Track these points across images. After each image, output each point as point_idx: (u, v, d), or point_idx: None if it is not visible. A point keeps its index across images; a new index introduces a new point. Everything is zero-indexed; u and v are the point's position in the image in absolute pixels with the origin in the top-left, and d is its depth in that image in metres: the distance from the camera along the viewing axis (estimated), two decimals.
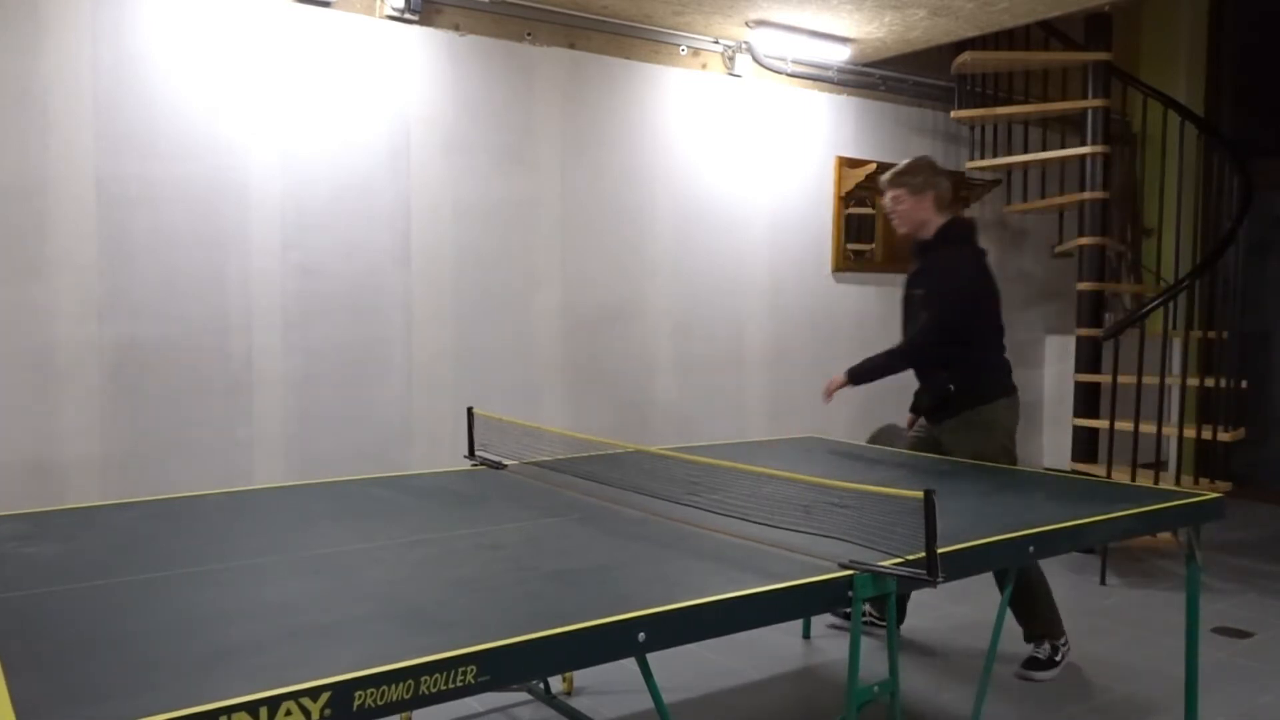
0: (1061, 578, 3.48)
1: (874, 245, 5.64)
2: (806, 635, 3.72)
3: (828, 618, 3.81)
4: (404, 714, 2.27)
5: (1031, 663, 3.37)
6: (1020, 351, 4.51)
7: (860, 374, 3.42)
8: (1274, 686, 3.32)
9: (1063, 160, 5.58)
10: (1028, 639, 3.42)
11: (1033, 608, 3.37)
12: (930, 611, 3.86)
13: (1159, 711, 3.12)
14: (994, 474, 3.09)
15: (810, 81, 5.29)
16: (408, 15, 4.02)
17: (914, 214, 3.42)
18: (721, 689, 3.23)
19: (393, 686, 1.34)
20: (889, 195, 3.46)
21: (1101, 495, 2.69)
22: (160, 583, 1.79)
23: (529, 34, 4.37)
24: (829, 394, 3.48)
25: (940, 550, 1.87)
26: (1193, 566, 2.75)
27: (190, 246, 3.63)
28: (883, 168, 5.42)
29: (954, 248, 3.40)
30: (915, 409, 3.57)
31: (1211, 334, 5.43)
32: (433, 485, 2.79)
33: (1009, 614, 3.29)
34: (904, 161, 3.51)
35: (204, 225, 3.65)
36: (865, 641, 1.94)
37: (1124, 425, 4.89)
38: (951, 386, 3.35)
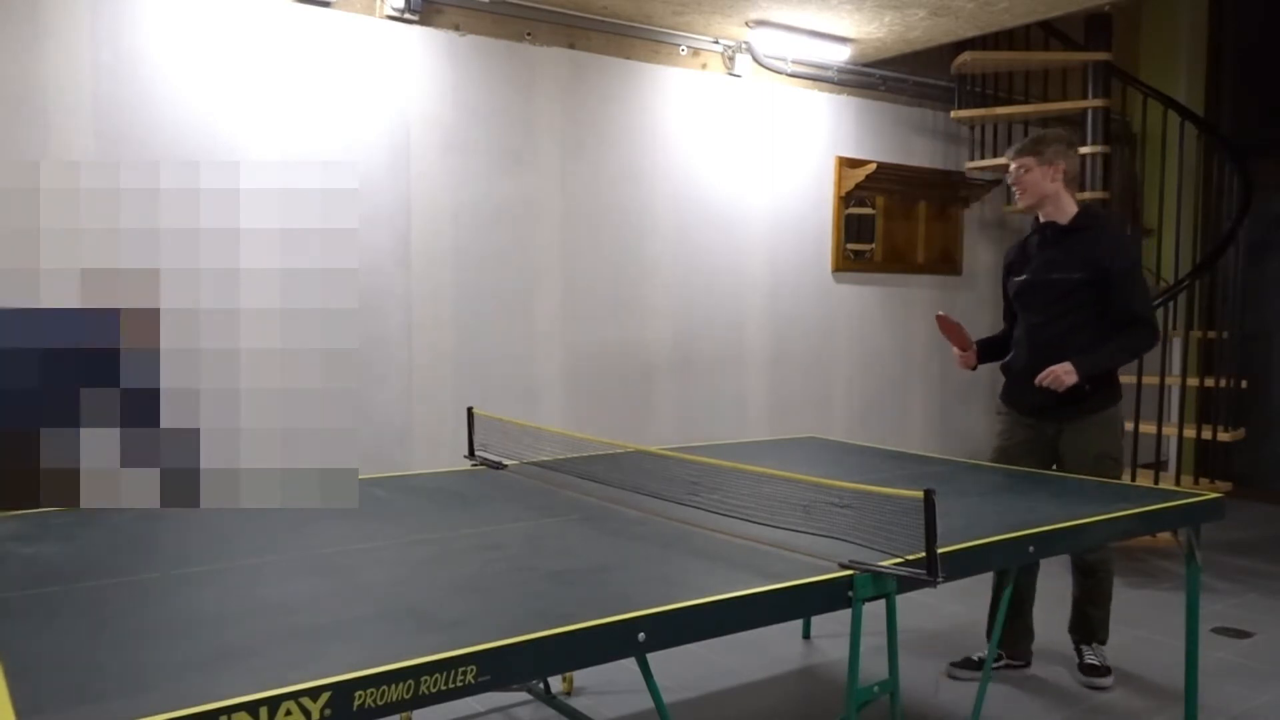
0: (1061, 578, 3.48)
1: (874, 245, 5.64)
2: (806, 635, 3.72)
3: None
4: (404, 714, 2.27)
5: (1093, 670, 3.33)
6: None
7: (1092, 372, 3.11)
8: (1274, 686, 3.31)
9: None
10: (1086, 640, 3.38)
11: (1104, 606, 3.36)
12: (930, 611, 3.86)
13: (1159, 711, 3.12)
14: (994, 474, 3.09)
15: (810, 81, 5.29)
16: (408, 15, 4.02)
17: (1040, 185, 3.20)
18: (721, 689, 3.23)
19: (393, 686, 1.34)
20: (1014, 164, 3.25)
21: (1101, 495, 2.69)
22: (160, 583, 1.79)
23: (529, 34, 4.37)
24: (1059, 385, 3.10)
25: (940, 550, 1.87)
26: (1193, 566, 2.75)
27: None
28: (883, 168, 5.44)
29: (1115, 228, 3.28)
30: (1020, 406, 3.33)
31: (1211, 334, 5.43)
32: (433, 485, 2.79)
33: (1020, 614, 3.32)
34: (1036, 132, 3.39)
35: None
36: (865, 641, 1.94)
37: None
38: (1088, 386, 3.14)
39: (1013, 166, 3.27)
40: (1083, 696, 3.23)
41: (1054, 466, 3.29)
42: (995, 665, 3.39)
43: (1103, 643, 3.38)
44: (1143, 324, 3.16)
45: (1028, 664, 3.45)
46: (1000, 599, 2.37)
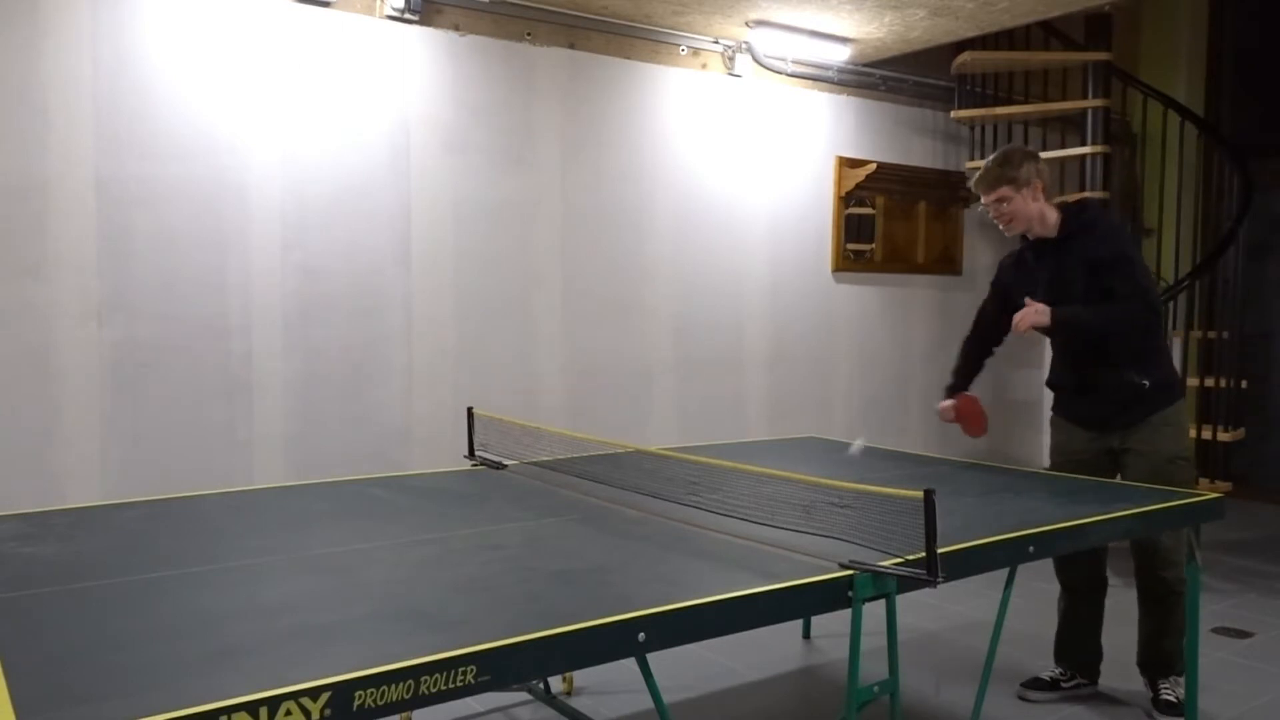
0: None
1: (874, 245, 5.64)
2: (806, 635, 3.72)
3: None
4: (404, 714, 2.27)
5: (1170, 708, 3.04)
6: (1020, 352, 4.51)
7: (1065, 320, 2.92)
8: (1274, 686, 3.32)
9: (1063, 160, 5.58)
10: (1162, 674, 3.11)
11: (1178, 635, 3.02)
12: (930, 611, 3.86)
13: None
14: (994, 474, 3.09)
15: (810, 81, 5.29)
16: (408, 15, 4.02)
17: (1025, 210, 2.99)
18: (721, 689, 3.24)
19: (393, 686, 1.34)
20: (990, 198, 3.01)
21: (1101, 495, 2.69)
22: (160, 583, 1.79)
23: (529, 34, 4.37)
24: (1024, 326, 2.94)
25: (940, 550, 1.87)
26: (1193, 566, 2.75)
27: (190, 247, 3.63)
28: (883, 168, 5.44)
29: (1103, 221, 3.04)
30: (1080, 420, 3.14)
31: (1211, 334, 5.43)
32: (433, 485, 2.79)
33: (1090, 635, 3.20)
34: (991, 157, 3.07)
35: (204, 225, 3.65)
36: (865, 641, 1.94)
37: None
38: (1146, 383, 2.96)
39: (987, 201, 3.03)
40: (1083, 696, 3.23)
41: (1117, 477, 3.09)
42: (1067, 685, 3.25)
43: (1180, 674, 3.05)
44: (1134, 298, 2.91)
45: (1094, 683, 3.29)
46: (1005, 600, 2.36)
